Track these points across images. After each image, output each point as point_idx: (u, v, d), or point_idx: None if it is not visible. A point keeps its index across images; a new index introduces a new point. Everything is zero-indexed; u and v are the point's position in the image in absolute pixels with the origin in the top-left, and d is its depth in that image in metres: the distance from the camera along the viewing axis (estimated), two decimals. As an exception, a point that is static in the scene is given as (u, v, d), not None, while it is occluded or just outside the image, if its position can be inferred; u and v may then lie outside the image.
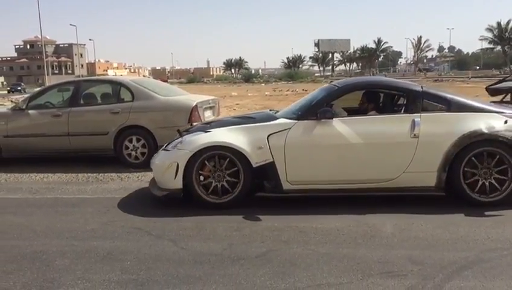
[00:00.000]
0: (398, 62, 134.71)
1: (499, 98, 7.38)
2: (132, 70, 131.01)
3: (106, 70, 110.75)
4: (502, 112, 4.80)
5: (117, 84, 7.77)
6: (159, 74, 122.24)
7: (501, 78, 6.46)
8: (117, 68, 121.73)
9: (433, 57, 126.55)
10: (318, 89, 5.74)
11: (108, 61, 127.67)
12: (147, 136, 7.17)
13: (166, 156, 5.04)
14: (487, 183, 4.65)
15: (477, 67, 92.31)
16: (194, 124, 6.68)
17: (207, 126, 5.34)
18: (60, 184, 6.27)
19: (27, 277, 3.28)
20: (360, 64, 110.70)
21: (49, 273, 3.33)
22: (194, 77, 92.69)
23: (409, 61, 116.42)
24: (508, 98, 6.34)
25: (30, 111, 7.57)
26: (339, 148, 4.77)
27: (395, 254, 3.55)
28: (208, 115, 7.83)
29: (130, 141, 7.25)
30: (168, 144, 5.30)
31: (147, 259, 3.57)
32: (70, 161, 7.63)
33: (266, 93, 33.74)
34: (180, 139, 5.12)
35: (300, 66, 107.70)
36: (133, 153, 7.25)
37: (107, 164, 7.26)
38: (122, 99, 7.53)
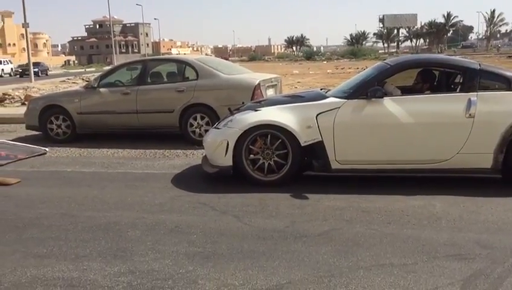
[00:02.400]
0: (469, 37, 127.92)
1: None
2: (195, 49, 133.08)
3: (170, 49, 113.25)
4: None
5: (182, 63, 7.95)
6: (220, 52, 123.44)
7: None
8: (180, 47, 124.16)
9: (508, 31, 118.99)
10: (370, 68, 5.62)
11: (172, 40, 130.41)
12: (211, 113, 7.32)
13: (217, 134, 5.16)
14: None
15: None
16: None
17: (257, 105, 5.39)
18: (129, 159, 6.56)
19: (102, 246, 3.50)
20: (428, 40, 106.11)
21: (121, 243, 3.53)
22: (255, 55, 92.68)
23: (480, 36, 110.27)
24: None
25: (101, 89, 7.92)
26: (389, 128, 4.66)
27: (463, 236, 3.46)
28: (270, 93, 7.85)
29: (195, 118, 7.43)
30: (219, 123, 5.42)
31: (212, 233, 3.69)
32: (138, 137, 7.94)
33: (328, 71, 33.24)
34: (230, 117, 5.22)
35: (364, 42, 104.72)
36: (197, 130, 7.43)
37: (172, 141, 7.50)
38: (187, 77, 7.70)
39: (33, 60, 31.86)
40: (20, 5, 27.82)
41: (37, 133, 8.33)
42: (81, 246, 3.49)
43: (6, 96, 15.66)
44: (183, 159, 6.49)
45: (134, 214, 4.20)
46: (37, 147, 7.22)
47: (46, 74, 45.89)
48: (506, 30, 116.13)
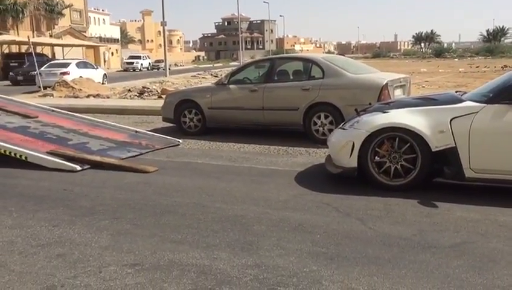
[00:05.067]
0: None
1: None
2: (318, 45, 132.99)
3: (293, 46, 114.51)
4: None
5: (308, 62, 8.01)
6: (344, 49, 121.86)
7: None
8: (303, 43, 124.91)
9: None
10: None
11: (295, 36, 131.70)
12: (335, 113, 7.28)
13: (343, 134, 5.10)
14: None
15: None
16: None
17: (385, 106, 5.23)
18: (254, 154, 6.80)
19: (230, 237, 3.68)
20: None
21: (248, 236, 3.68)
22: (379, 52, 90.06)
23: None
24: None
25: (231, 86, 8.29)
26: None
27: None
28: (398, 94, 7.60)
29: (319, 117, 7.45)
30: (345, 123, 5.35)
31: (335, 234, 3.69)
32: (263, 133, 8.18)
33: (460, 69, 31.12)
34: (357, 118, 5.13)
35: (503, 39, 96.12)
36: (321, 129, 7.44)
37: (295, 139, 7.60)
38: (312, 76, 7.74)
39: (168, 55, 34.28)
40: (158, 3, 30.09)
41: (171, 125, 8.98)
42: (212, 236, 3.71)
43: (145, 89, 17.08)
44: (306, 157, 6.55)
45: (260, 209, 4.34)
46: (172, 138, 7.79)
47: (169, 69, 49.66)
48: None
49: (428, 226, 3.84)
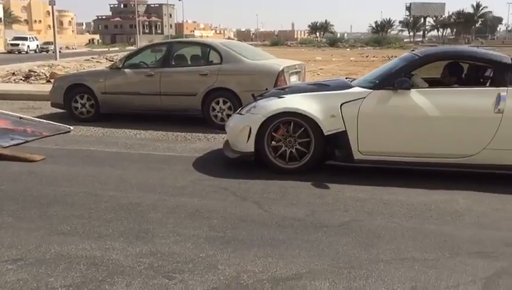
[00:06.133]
0: (498, 29, 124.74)
1: None
2: (218, 32, 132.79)
3: (193, 31, 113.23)
4: None
5: (206, 47, 7.94)
6: (243, 36, 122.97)
7: None
8: (203, 29, 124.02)
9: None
10: (397, 58, 5.52)
11: (195, 22, 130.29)
12: (233, 98, 7.30)
13: (240, 119, 5.15)
14: None
15: None
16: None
17: (281, 92, 5.36)
18: (151, 141, 6.61)
19: (124, 226, 3.54)
20: (455, 30, 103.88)
21: (143, 225, 3.57)
22: (278, 40, 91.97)
23: (510, 28, 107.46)
24: None
25: (126, 70, 7.95)
26: (415, 120, 4.59)
27: (487, 234, 3.41)
28: (294, 80, 7.80)
29: (217, 102, 7.43)
30: (242, 108, 5.41)
31: (232, 218, 3.71)
32: (160, 119, 7.98)
33: (351, 58, 32.87)
34: (254, 103, 5.20)
35: (389, 30, 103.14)
36: (219, 114, 7.43)
37: (194, 124, 7.52)
38: (211, 61, 7.69)
39: (58, 38, 32.15)
40: (47, -18, 28.01)
41: (61, 111, 8.43)
42: (104, 226, 3.54)
43: (32, 73, 15.89)
44: (204, 143, 6.51)
45: (156, 196, 4.23)
46: (61, 125, 7.32)
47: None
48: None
49: (320, 206, 3.99)
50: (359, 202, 4.08)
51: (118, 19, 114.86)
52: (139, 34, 59.84)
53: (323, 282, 2.75)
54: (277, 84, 7.06)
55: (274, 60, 8.21)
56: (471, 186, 4.42)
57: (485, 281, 2.75)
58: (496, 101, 4.43)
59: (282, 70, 7.28)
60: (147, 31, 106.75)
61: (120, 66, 8.06)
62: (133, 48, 52.60)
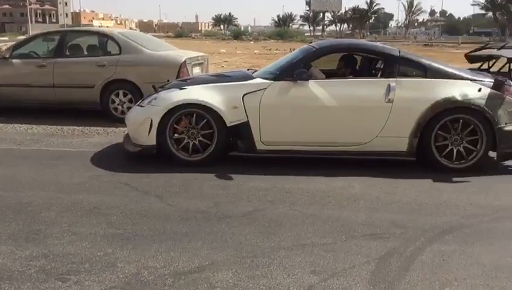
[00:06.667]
0: (389, 25, 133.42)
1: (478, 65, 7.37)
2: (118, 22, 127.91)
3: (91, 21, 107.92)
4: (477, 80, 4.80)
5: (104, 36, 7.58)
6: (146, 27, 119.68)
7: (481, 45, 6.44)
8: (102, 19, 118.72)
9: (424, 20, 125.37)
10: (296, 50, 5.69)
11: (93, 12, 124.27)
12: (134, 90, 7.06)
13: (141, 112, 5.01)
14: (455, 151, 4.71)
15: (473, 30, 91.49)
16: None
17: (183, 83, 5.28)
18: (45, 136, 6.19)
19: (12, 228, 3.28)
20: (351, 25, 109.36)
21: (35, 225, 3.33)
22: (182, 32, 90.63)
23: (400, 24, 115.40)
24: (486, 65, 6.29)
25: (14, 60, 7.37)
26: (313, 110, 4.76)
27: (379, 216, 3.61)
28: (197, 72, 7.72)
29: (117, 95, 7.15)
30: (143, 100, 5.27)
31: (133, 214, 3.58)
32: (55, 113, 7.50)
33: (255, 51, 33.30)
34: (155, 95, 5.08)
35: (291, 24, 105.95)
36: (120, 107, 7.16)
37: (92, 118, 7.17)
38: (109, 52, 7.37)
39: None
40: None
41: None
42: (-11, 229, 3.25)
43: None
44: (103, 137, 6.23)
45: (50, 194, 3.97)
46: None
47: None
48: (423, 19, 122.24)
49: (224, 197, 3.99)
50: (262, 192, 4.14)
51: (6, 6, 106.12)
52: (31, 23, 55.93)
53: (226, 273, 2.74)
54: (179, 75, 6.93)
55: (176, 51, 8.06)
56: (366, 172, 4.67)
57: (377, 261, 2.91)
58: (387, 91, 4.70)
59: (185, 61, 7.16)
60: (40, 20, 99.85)
61: (7, 56, 7.45)
62: (24, 37, 49.01)
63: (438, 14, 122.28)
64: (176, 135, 4.87)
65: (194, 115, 4.81)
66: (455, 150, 4.72)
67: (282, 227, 3.40)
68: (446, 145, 4.72)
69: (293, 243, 3.15)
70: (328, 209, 3.76)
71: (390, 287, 2.62)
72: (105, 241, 3.12)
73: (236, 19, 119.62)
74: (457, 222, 3.53)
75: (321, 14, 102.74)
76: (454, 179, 4.52)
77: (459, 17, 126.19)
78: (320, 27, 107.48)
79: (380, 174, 4.64)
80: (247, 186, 4.28)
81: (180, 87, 5.07)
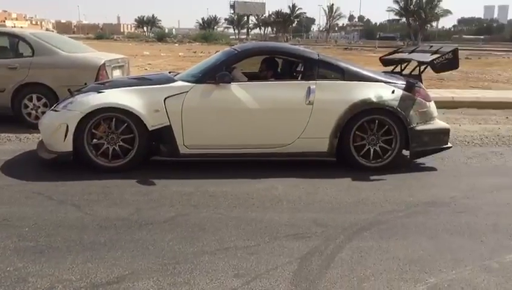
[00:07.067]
0: (312, 29, 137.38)
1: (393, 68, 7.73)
2: (34, 23, 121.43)
3: (4, 21, 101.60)
4: (391, 82, 5.05)
5: (15, 37, 7.14)
6: (64, 28, 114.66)
7: (394, 49, 6.80)
8: (16, 19, 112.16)
9: (344, 25, 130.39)
10: (219, 53, 5.69)
11: (6, 11, 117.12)
12: (49, 94, 6.72)
13: (55, 116, 4.78)
14: (372, 150, 4.92)
15: (379, 35, 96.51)
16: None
17: (101, 86, 5.10)
18: None
19: None
20: (275, 29, 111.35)
21: None
22: (103, 33, 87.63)
23: (321, 29, 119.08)
24: (399, 68, 6.64)
25: None
26: (236, 113, 4.78)
27: (301, 216, 3.67)
28: (117, 75, 7.49)
29: (30, 99, 6.78)
30: (58, 104, 5.03)
31: (47, 225, 3.39)
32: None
33: (180, 54, 32.93)
34: (71, 99, 4.87)
35: (216, 27, 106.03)
36: (33, 112, 6.80)
37: (3, 124, 6.72)
38: (20, 53, 6.97)
39: None
40: None
41: None
42: None
43: None
44: (15, 144, 5.86)
45: (-48, 207, 3.66)
46: None
47: None
48: (343, 24, 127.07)
49: (145, 203, 3.88)
50: (185, 196, 4.07)
51: None
52: None
53: (147, 281, 2.66)
54: (98, 78, 6.70)
55: (95, 54, 7.77)
56: (289, 173, 4.74)
57: (300, 260, 2.96)
58: (307, 94, 4.81)
59: (104, 64, 6.93)
60: None
61: None
62: None
63: (356, 19, 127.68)
64: (94, 140, 4.68)
65: (114, 119, 4.65)
66: (372, 150, 4.92)
67: (206, 231, 3.36)
68: (364, 145, 4.92)
69: (217, 247, 3.12)
70: (252, 212, 3.77)
71: (311, 286, 2.66)
72: (15, 255, 2.93)
73: (160, 20, 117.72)
74: (374, 218, 3.67)
75: (245, 17, 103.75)
76: (372, 177, 4.71)
77: (376, 23, 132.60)
78: (245, 30, 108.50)
79: (302, 175, 4.73)
80: (170, 191, 4.20)
81: (98, 90, 4.88)
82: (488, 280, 2.76)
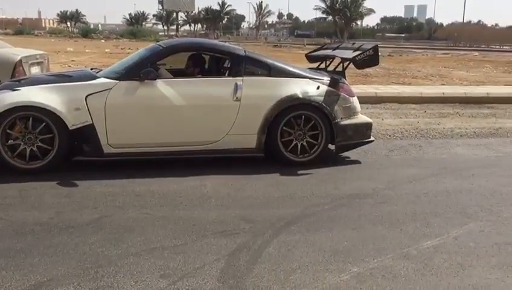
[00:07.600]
0: (242, 26, 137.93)
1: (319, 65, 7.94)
2: None
3: None
4: (316, 78, 5.18)
5: None
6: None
7: (319, 46, 6.98)
8: None
9: (274, 23, 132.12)
10: (143, 49, 5.56)
11: None
12: (-40, 93, 6.24)
13: None
14: (299, 145, 5.00)
15: (297, 32, 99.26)
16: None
17: (16, 84, 4.83)
18: None
19: None
20: (205, 25, 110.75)
21: None
22: (22, 28, 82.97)
23: (251, 26, 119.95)
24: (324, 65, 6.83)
25: None
26: (162, 110, 4.70)
27: (230, 213, 3.67)
28: (36, 72, 7.12)
29: None
30: None
31: (-44, 234, 3.15)
32: None
33: (106, 50, 31.87)
34: None
35: (144, 23, 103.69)
36: None
37: None
38: None
39: None
40: None
41: None
42: None
43: None
44: None
45: None
46: None
47: None
48: (273, 21, 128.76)
49: (67, 206, 3.71)
50: (110, 197, 3.94)
51: None
52: None
53: (66, 287, 2.54)
54: (14, 75, 6.35)
55: (10, 49, 7.34)
56: (218, 171, 4.72)
57: (227, 257, 2.94)
58: (234, 90, 4.81)
59: (20, 60, 6.57)
60: None
61: None
62: None
63: (285, 17, 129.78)
64: (10, 141, 4.41)
65: (30, 118, 4.41)
66: (299, 145, 5.01)
67: (131, 232, 3.27)
68: (291, 140, 4.99)
69: (142, 248, 3.04)
70: (180, 210, 3.71)
71: (239, 282, 2.66)
72: None
73: (85, 16, 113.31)
74: (301, 212, 3.73)
75: (175, 13, 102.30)
76: (299, 172, 4.79)
77: (304, 20, 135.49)
78: (175, 27, 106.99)
79: (231, 171, 4.73)
80: (94, 192, 4.04)
81: (13, 88, 4.60)
82: (407, 267, 2.88)
